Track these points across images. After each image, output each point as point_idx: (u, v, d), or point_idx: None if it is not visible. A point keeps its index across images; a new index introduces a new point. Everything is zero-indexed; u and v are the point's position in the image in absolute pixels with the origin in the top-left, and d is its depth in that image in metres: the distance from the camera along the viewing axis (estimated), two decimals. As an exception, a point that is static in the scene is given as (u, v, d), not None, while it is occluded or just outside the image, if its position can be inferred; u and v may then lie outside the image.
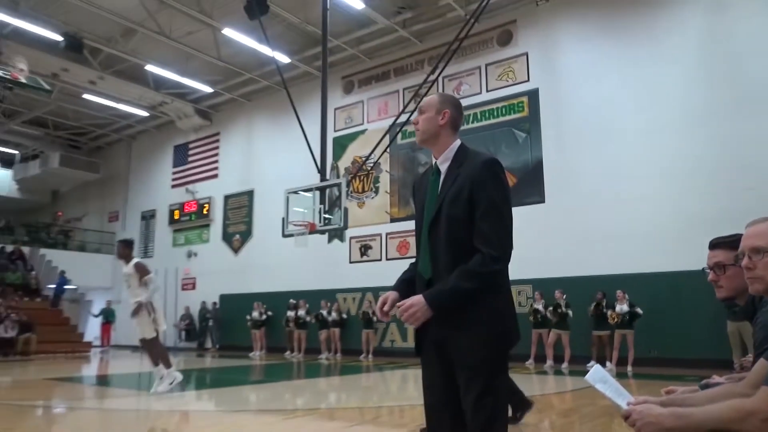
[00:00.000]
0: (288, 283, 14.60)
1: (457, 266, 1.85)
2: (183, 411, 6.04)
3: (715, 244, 1.90)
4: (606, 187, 10.63)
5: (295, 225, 10.45)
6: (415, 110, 2.33)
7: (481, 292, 1.82)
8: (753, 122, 9.44)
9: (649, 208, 10.09)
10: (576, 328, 9.97)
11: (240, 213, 17.06)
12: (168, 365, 6.84)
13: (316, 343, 13.35)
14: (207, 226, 17.87)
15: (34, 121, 19.52)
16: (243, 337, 14.90)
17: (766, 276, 1.52)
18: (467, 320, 1.83)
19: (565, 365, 9.80)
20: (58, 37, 13.20)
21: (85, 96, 16.80)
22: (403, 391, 7.97)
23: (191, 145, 18.85)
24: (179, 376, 6.89)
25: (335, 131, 14.72)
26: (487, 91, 12.71)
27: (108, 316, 17.61)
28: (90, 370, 11.88)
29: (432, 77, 10.84)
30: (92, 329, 18.20)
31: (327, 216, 10.19)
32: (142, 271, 6.74)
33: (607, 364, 9.28)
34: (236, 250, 16.94)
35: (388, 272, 12.64)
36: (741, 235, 1.63)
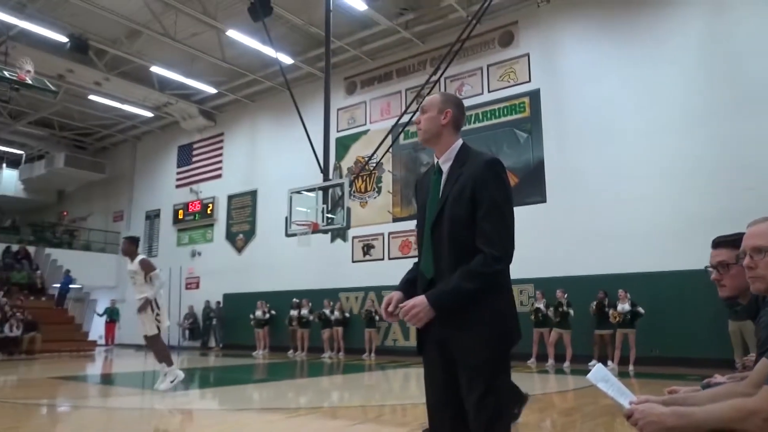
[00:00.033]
0: (291, 282, 14.64)
1: (459, 265, 1.86)
2: (186, 410, 6.07)
3: (718, 243, 1.89)
4: (607, 187, 10.63)
5: (298, 225, 10.48)
6: (417, 110, 2.33)
7: (483, 292, 1.83)
8: (753, 122, 9.44)
9: (649, 207, 10.10)
10: (577, 327, 9.98)
11: (243, 213, 17.11)
12: (169, 363, 6.82)
13: (318, 342, 13.39)
14: (211, 225, 17.94)
15: (40, 122, 19.62)
16: (246, 336, 14.94)
17: (767, 275, 1.53)
18: (469, 320, 1.84)
19: (566, 364, 9.80)
20: (64, 39, 13.28)
21: (91, 97, 16.88)
22: (406, 389, 7.99)
23: (195, 146, 18.91)
24: (181, 375, 6.88)
25: (338, 131, 14.75)
26: (489, 91, 12.72)
27: (112, 315, 17.68)
28: (94, 368, 11.93)
29: (434, 78, 10.87)
30: (97, 328, 18.27)
31: (330, 216, 10.22)
32: (147, 267, 6.74)
33: (609, 363, 9.29)
34: (240, 250, 17.00)
35: (391, 272, 12.81)
36: (744, 234, 1.64)
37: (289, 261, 14.66)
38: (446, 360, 1.91)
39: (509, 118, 12.33)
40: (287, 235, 11.06)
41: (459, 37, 10.10)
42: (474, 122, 12.59)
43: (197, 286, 17.72)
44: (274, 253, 15.28)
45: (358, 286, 13.72)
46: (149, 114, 18.37)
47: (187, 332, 17.15)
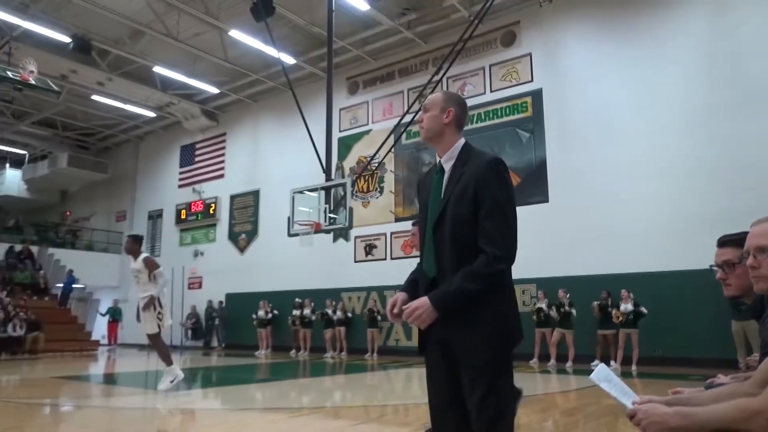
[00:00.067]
0: (293, 282, 14.66)
1: (461, 265, 1.86)
2: (189, 409, 6.08)
3: (723, 242, 1.88)
4: (609, 187, 10.62)
5: (300, 224, 10.49)
6: (419, 110, 2.33)
7: (485, 292, 1.83)
8: (754, 122, 9.44)
9: (651, 207, 10.09)
10: (580, 327, 9.97)
11: (246, 213, 17.13)
12: (169, 363, 6.78)
13: (321, 342, 13.40)
14: (213, 225, 17.96)
15: (43, 122, 19.68)
16: (249, 336, 14.96)
17: (770, 275, 1.53)
18: (471, 321, 1.84)
19: (569, 364, 9.79)
20: (67, 39, 13.32)
21: (94, 97, 16.92)
22: (408, 389, 7.99)
23: (198, 146, 18.95)
24: (180, 375, 6.83)
25: (340, 131, 14.76)
26: (491, 91, 12.71)
27: (115, 315, 17.72)
28: (97, 368, 11.96)
29: (436, 78, 10.86)
30: (99, 328, 18.32)
31: (332, 215, 10.23)
32: (151, 265, 6.73)
33: (612, 363, 9.27)
34: (242, 250, 17.02)
35: (393, 271, 12.81)
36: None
37: (291, 261, 14.67)
38: (448, 360, 1.91)
39: (511, 117, 12.32)
40: (289, 235, 11.07)
41: (461, 37, 10.09)
42: (476, 122, 12.59)
43: (200, 286, 17.76)
44: (277, 253, 15.30)
45: (361, 286, 13.72)
46: (152, 114, 18.40)
47: (189, 332, 17.17)
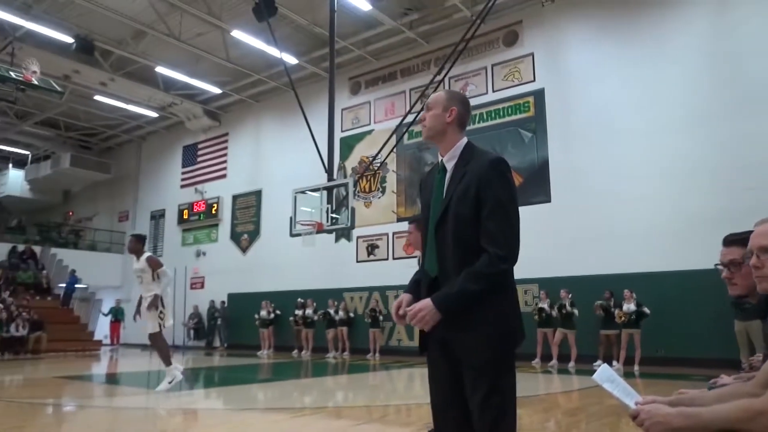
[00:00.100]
0: (295, 282, 14.66)
1: (463, 264, 1.85)
2: (191, 409, 6.09)
3: (730, 241, 1.86)
4: (612, 187, 10.61)
5: (302, 224, 10.50)
6: (421, 110, 2.32)
7: (487, 292, 1.83)
8: (762, 122, 9.39)
9: (653, 207, 10.08)
10: (582, 327, 9.97)
11: (248, 213, 17.15)
12: (168, 363, 6.76)
13: (323, 341, 13.40)
14: (215, 225, 17.99)
15: (46, 122, 19.73)
16: (251, 336, 14.98)
17: (774, 275, 1.52)
18: (473, 321, 1.84)
19: (571, 364, 9.78)
20: (70, 40, 13.35)
21: (96, 97, 16.96)
22: (410, 389, 7.98)
23: (200, 146, 18.97)
24: (179, 376, 6.80)
25: (342, 131, 14.76)
26: (494, 91, 12.70)
27: (117, 315, 17.76)
28: (99, 368, 11.98)
29: (438, 78, 10.86)
30: (102, 328, 18.37)
31: (334, 215, 10.23)
32: (155, 264, 6.73)
33: (614, 363, 9.26)
34: (244, 250, 17.04)
35: (395, 271, 12.80)
36: None
37: (293, 261, 14.68)
38: (450, 359, 1.91)
39: (514, 117, 12.31)
40: (292, 235, 11.08)
41: (463, 37, 10.09)
42: (478, 122, 12.58)
43: (202, 286, 17.78)
44: (279, 253, 15.31)
45: (363, 286, 13.72)
46: (154, 114, 18.44)
47: (191, 332, 17.20)
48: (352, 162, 14.84)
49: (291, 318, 14.08)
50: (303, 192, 10.75)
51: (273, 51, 12.78)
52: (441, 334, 1.89)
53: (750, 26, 9.78)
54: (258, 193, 16.93)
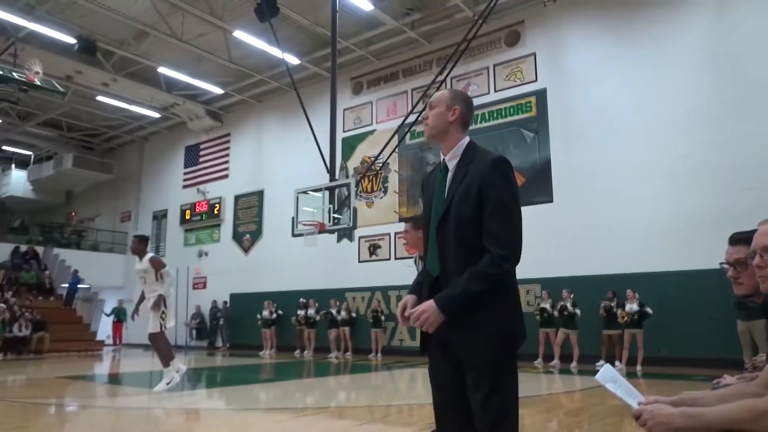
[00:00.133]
0: (298, 282, 14.67)
1: (465, 264, 1.85)
2: (193, 409, 6.10)
3: (736, 240, 1.85)
4: (614, 187, 10.60)
5: (304, 225, 10.50)
6: (424, 109, 2.31)
7: (490, 292, 1.82)
8: (762, 122, 9.37)
9: (655, 207, 10.07)
10: (585, 327, 9.95)
11: (250, 213, 17.17)
12: (166, 365, 6.75)
13: (325, 342, 13.41)
14: (218, 225, 18.01)
15: (48, 123, 19.78)
16: (253, 336, 14.99)
17: (777, 275, 1.51)
18: (476, 322, 1.83)
19: (573, 364, 9.77)
20: (72, 40, 13.38)
21: (99, 98, 17.00)
22: (412, 389, 7.98)
23: (202, 146, 19.00)
24: (177, 378, 6.78)
25: (344, 132, 14.77)
26: (495, 91, 12.69)
27: (120, 315, 17.79)
28: (102, 368, 12.01)
29: (440, 78, 10.85)
30: (104, 328, 18.40)
31: (336, 216, 10.23)
32: (158, 264, 6.72)
33: (617, 363, 9.24)
34: (246, 250, 17.05)
35: (397, 272, 12.79)
36: None
37: (295, 261, 14.69)
38: (451, 359, 1.90)
39: (516, 117, 12.30)
40: (294, 235, 11.10)
41: (465, 37, 10.08)
42: (480, 122, 12.57)
43: (204, 286, 17.80)
44: (281, 253, 15.32)
45: (365, 286, 13.73)
46: (156, 114, 18.47)
47: (194, 332, 17.23)
48: (354, 162, 14.85)
49: (293, 318, 14.10)
50: (305, 192, 10.76)
51: (275, 51, 12.78)
52: (442, 334, 1.89)
53: (750, 26, 9.77)
54: (260, 194, 16.95)
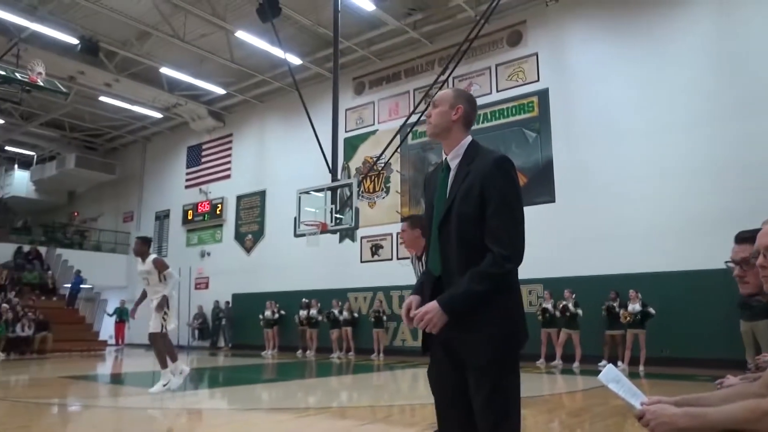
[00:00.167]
0: (300, 282, 14.69)
1: (467, 264, 1.84)
2: (196, 409, 6.11)
3: (742, 239, 1.84)
4: (616, 187, 10.58)
5: (306, 225, 10.50)
6: (426, 109, 2.31)
7: (492, 292, 1.82)
8: (766, 122, 9.35)
9: (658, 207, 10.06)
10: (587, 328, 9.94)
11: (252, 213, 17.18)
12: (164, 366, 6.72)
13: (327, 342, 13.41)
14: (220, 226, 18.03)
15: (51, 123, 19.84)
16: (255, 336, 15.01)
17: (780, 275, 1.51)
18: (478, 322, 1.83)
19: (576, 364, 9.76)
20: (75, 41, 13.42)
21: (101, 98, 17.04)
22: (414, 389, 7.98)
23: (204, 146, 19.03)
24: (174, 379, 6.74)
25: (346, 132, 14.77)
26: (498, 91, 12.69)
27: (122, 315, 17.81)
28: (105, 368, 12.03)
29: (442, 78, 10.84)
30: (107, 328, 18.43)
31: (338, 216, 10.23)
32: (161, 266, 6.72)
33: (619, 363, 9.23)
34: (249, 250, 17.07)
35: (399, 272, 12.79)
36: None
37: (297, 261, 14.71)
38: (453, 359, 1.90)
39: (518, 117, 12.29)
40: (296, 235, 11.09)
41: (467, 37, 10.07)
42: (482, 122, 12.56)
43: (206, 287, 17.83)
44: (283, 253, 15.33)
45: (367, 287, 13.73)
46: (159, 115, 18.51)
47: (196, 332, 17.25)
48: (356, 162, 14.85)
49: (295, 318, 14.11)
50: (307, 192, 10.76)
51: (277, 51, 12.80)
52: (445, 334, 1.88)
53: (753, 26, 9.75)
54: (262, 194, 16.97)
